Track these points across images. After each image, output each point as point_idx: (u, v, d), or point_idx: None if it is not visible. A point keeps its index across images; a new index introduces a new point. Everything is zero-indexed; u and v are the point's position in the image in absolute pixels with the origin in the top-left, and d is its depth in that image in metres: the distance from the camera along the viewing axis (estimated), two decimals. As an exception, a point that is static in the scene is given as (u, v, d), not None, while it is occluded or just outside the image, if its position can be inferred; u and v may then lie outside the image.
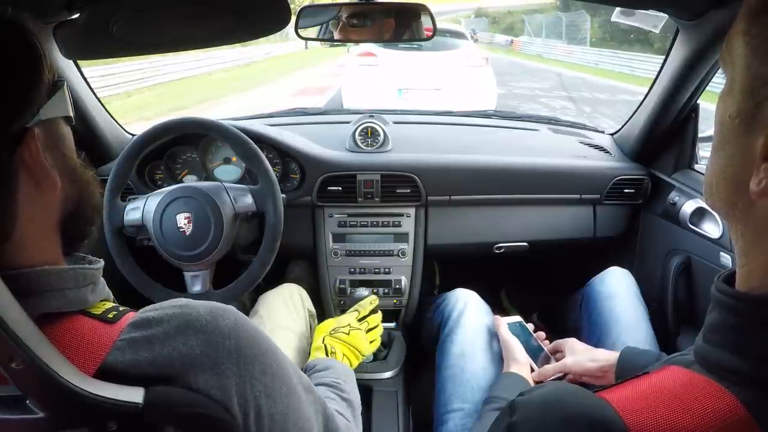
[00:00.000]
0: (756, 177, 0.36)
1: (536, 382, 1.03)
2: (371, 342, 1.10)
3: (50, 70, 0.47)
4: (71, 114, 0.50)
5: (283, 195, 1.28)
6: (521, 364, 1.04)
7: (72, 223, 0.50)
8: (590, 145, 1.57)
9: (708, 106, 0.79)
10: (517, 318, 1.15)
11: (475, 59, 5.96)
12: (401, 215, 1.43)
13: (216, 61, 14.46)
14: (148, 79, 10.66)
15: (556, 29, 23.78)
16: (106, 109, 1.44)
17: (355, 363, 1.04)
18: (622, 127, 1.58)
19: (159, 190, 1.20)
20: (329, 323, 1.09)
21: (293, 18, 1.03)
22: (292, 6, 0.82)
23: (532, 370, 1.04)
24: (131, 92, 9.76)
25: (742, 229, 0.40)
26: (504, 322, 1.12)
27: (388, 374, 1.26)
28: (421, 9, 1.14)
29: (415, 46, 5.59)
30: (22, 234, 0.45)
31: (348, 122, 1.54)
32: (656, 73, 1.33)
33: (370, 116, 1.52)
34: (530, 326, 1.16)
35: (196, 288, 1.18)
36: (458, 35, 6.43)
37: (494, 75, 6.25)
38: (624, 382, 0.42)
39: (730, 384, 0.37)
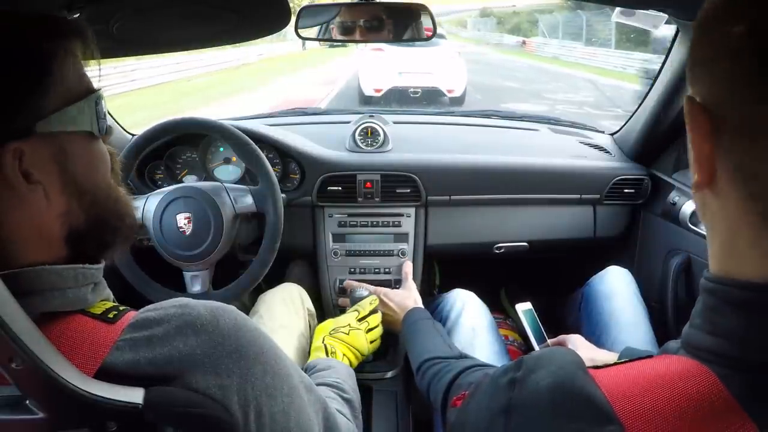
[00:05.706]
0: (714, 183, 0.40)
1: None
2: (371, 342, 1.10)
3: (59, 89, 0.46)
4: (90, 130, 0.49)
5: (283, 195, 1.28)
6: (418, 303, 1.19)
7: (89, 235, 0.50)
8: (590, 145, 1.57)
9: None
10: (529, 305, 1.16)
11: (451, 52, 8.74)
12: (401, 215, 1.43)
13: (201, 63, 12.80)
14: (116, 85, 9.05)
15: (569, 29, 21.73)
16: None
17: (355, 363, 1.04)
18: (622, 127, 1.58)
19: (159, 190, 1.20)
20: (329, 323, 1.09)
21: (293, 18, 1.03)
22: (291, 6, 0.82)
23: None
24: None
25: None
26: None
27: (388, 374, 1.26)
28: (421, 9, 1.14)
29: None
30: (8, 235, 0.45)
31: (348, 122, 1.54)
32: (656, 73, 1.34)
33: (370, 116, 1.52)
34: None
35: (196, 288, 1.18)
36: (440, 36, 8.79)
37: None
38: (616, 365, 0.43)
39: (709, 363, 0.39)
